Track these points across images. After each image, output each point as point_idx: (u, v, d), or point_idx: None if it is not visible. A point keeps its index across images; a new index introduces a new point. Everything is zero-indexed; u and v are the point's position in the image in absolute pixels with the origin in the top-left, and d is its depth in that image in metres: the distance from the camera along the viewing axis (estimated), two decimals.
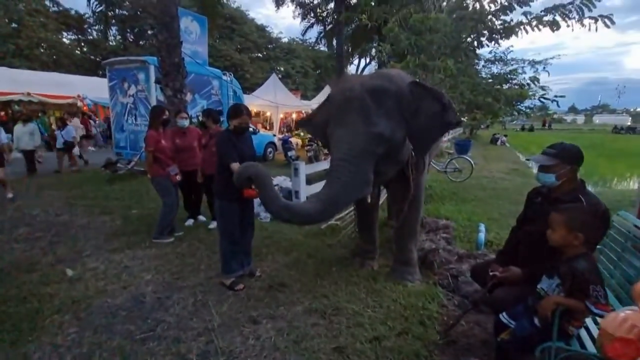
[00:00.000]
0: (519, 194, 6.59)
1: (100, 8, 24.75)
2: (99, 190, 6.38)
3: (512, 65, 7.39)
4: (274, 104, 13.08)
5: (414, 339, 2.18)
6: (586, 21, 4.60)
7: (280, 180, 5.24)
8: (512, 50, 7.25)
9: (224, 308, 2.57)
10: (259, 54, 29.87)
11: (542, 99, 4.98)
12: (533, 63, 6.74)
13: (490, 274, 2.02)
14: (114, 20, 26.38)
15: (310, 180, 5.38)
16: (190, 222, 4.56)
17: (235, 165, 2.60)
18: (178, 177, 3.98)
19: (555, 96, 4.94)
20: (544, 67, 6.27)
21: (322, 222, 2.76)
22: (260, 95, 12.26)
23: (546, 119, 41.97)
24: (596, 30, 4.60)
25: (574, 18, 4.64)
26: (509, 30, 4.78)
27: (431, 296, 2.72)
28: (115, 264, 3.33)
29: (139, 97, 7.78)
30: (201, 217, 4.70)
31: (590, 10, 4.46)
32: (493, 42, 5.11)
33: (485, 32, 4.59)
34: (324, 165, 6.32)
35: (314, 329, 2.31)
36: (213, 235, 4.01)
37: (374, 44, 5.85)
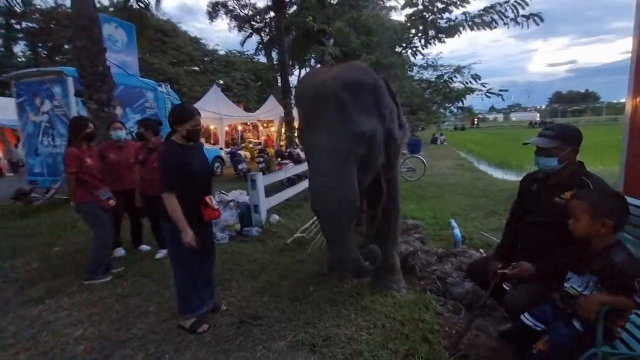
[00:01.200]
0: (472, 188, 6.85)
1: None
2: (9, 228, 5.22)
3: (441, 71, 7.79)
4: (219, 116, 12.33)
5: None
6: (520, 19, 4.90)
7: (236, 195, 4.72)
8: (442, 57, 7.66)
9: (187, 359, 2.04)
10: (196, 68, 28.54)
11: (488, 94, 5.19)
12: (459, 69, 7.15)
13: (499, 272, 1.81)
14: (21, 35, 23.19)
15: (267, 191, 4.95)
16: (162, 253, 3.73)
17: (188, 234, 2.12)
18: (112, 203, 3.29)
19: (501, 90, 5.19)
20: (469, 72, 6.67)
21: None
22: (203, 107, 11.45)
23: (475, 118, 46.29)
24: (528, 27, 4.92)
25: (510, 17, 4.90)
26: (453, 29, 4.91)
27: (425, 305, 2.47)
28: (31, 321, 2.56)
29: (55, 114, 6.67)
30: (144, 247, 3.99)
31: (523, 8, 4.73)
32: (438, 41, 5.22)
33: (433, 31, 4.65)
34: (281, 175, 5.94)
35: None
36: (162, 268, 3.38)
37: (323, 47, 5.68)
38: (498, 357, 1.95)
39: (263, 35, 20.41)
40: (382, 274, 2.84)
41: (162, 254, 3.68)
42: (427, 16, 4.45)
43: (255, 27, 19.69)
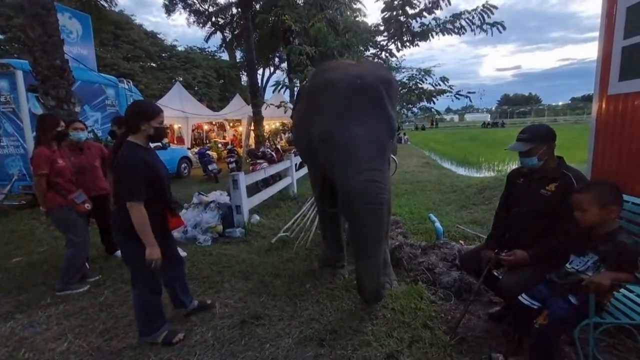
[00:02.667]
0: (440, 184, 7.24)
1: None
2: None
3: (407, 72, 8.13)
4: (184, 114, 11.82)
5: (428, 346, 1.99)
6: (485, 26, 5.25)
7: (217, 196, 4.60)
8: (404, 59, 8.01)
9: None
10: (153, 64, 27.08)
11: (457, 95, 5.50)
12: (429, 70, 7.53)
13: (494, 255, 1.97)
14: None
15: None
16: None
17: (155, 251, 1.91)
18: (87, 206, 3.07)
19: (468, 92, 5.53)
20: (430, 74, 7.05)
21: None
22: (167, 104, 10.91)
23: (433, 118, 48.50)
24: (492, 34, 5.29)
25: (476, 24, 5.24)
26: (425, 33, 5.14)
27: (418, 294, 2.60)
28: (4, 339, 2.33)
29: (1, 112, 6.03)
30: (120, 253, 3.75)
31: (489, 16, 5.07)
32: (411, 45, 5.44)
33: (408, 35, 4.85)
34: (262, 174, 5.87)
35: None
36: None
37: (300, 46, 5.65)
38: (490, 336, 2.12)
39: (227, 32, 19.87)
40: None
41: None
42: (403, 20, 4.64)
43: (220, 23, 19.13)
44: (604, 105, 2.44)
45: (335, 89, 2.10)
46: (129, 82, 8.31)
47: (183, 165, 10.15)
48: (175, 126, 13.12)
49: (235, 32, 18.21)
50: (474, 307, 2.46)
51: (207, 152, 9.82)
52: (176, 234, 4.15)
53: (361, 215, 1.99)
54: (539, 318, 1.56)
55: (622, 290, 1.73)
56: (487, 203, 5.13)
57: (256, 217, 4.88)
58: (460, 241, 3.66)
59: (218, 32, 19.78)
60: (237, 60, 28.92)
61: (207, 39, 18.88)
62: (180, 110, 11.47)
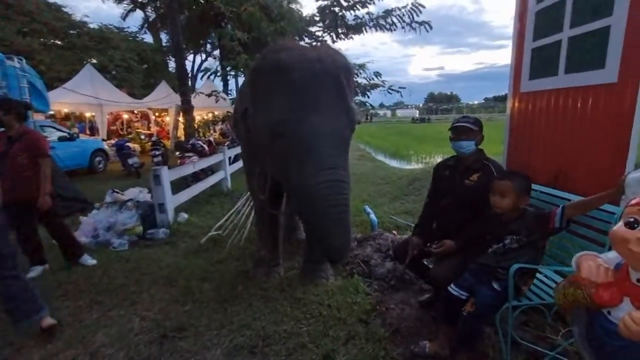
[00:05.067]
0: (375, 177, 7.49)
1: None
2: None
3: None
4: (97, 100, 10.39)
5: (365, 342, 1.96)
6: (414, 24, 5.50)
7: (136, 193, 4.07)
8: None
9: None
10: (58, 41, 23.34)
11: (390, 90, 5.69)
12: (363, 65, 7.72)
13: (432, 249, 2.01)
14: None
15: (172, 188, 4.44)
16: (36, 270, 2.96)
17: None
18: None
19: (400, 87, 5.75)
20: (365, 69, 7.27)
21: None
22: (75, 89, 9.47)
23: (368, 113, 50.62)
24: (420, 33, 5.56)
25: (406, 21, 5.45)
26: (360, 27, 5.20)
27: (354, 288, 2.58)
28: None
29: None
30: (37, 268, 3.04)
31: (417, 15, 5.31)
32: (346, 37, 5.47)
33: (342, 27, 4.84)
34: (190, 168, 5.39)
35: None
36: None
37: (231, 31, 5.24)
38: (422, 325, 2.18)
39: (149, 10, 17.94)
40: (310, 264, 2.86)
41: (36, 271, 2.93)
42: (337, 11, 4.61)
43: (140, 0, 17.19)
44: (517, 102, 2.67)
45: (291, 72, 1.79)
46: (21, 60, 6.96)
47: (97, 159, 8.94)
48: (87, 114, 11.50)
49: (160, 12, 16.50)
50: (407, 296, 2.52)
51: (127, 144, 8.78)
52: (84, 238, 3.59)
53: (325, 219, 1.76)
54: (466, 306, 1.62)
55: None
56: (417, 194, 5.42)
57: (184, 216, 4.46)
58: (394, 231, 3.78)
59: (139, 11, 17.74)
60: (164, 44, 26.45)
61: (124, 17, 16.75)
62: (91, 96, 10.05)
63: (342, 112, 1.83)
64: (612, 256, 1.28)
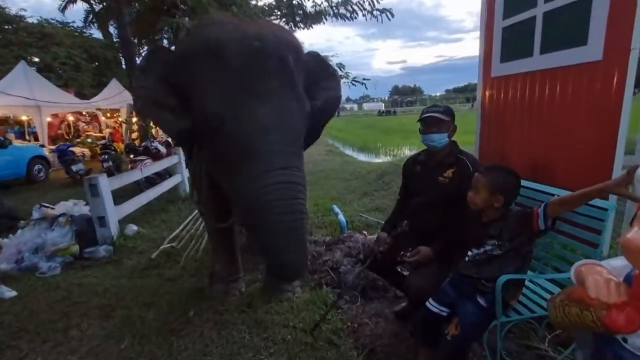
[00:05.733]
0: (343, 172, 7.26)
1: None
2: None
3: None
4: (34, 102, 9.30)
5: None
6: (375, 12, 5.27)
7: (68, 207, 3.52)
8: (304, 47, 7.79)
9: None
10: None
11: (354, 82, 5.47)
12: (326, 57, 7.47)
13: (405, 258, 1.76)
14: None
15: (118, 197, 3.93)
16: None
17: None
18: None
19: (364, 79, 5.54)
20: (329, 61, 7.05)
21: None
22: (6, 90, 8.39)
23: None
24: (382, 22, 5.35)
25: (367, 9, 5.22)
26: (318, 15, 4.89)
27: (323, 302, 2.30)
28: None
29: None
30: None
31: (378, 2, 5.08)
32: (305, 26, 5.16)
33: (300, 12, 4.52)
34: (136, 175, 4.84)
35: None
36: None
37: (177, 19, 4.73)
38: (399, 341, 1.94)
39: (95, 3, 16.41)
40: (273, 276, 2.53)
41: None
42: None
43: None
44: (487, 89, 2.49)
45: (226, 52, 1.47)
46: None
47: (37, 167, 8.00)
48: (23, 117, 10.30)
49: (104, 3, 15.12)
50: (380, 307, 2.29)
51: (70, 149, 7.91)
52: (4, 265, 3.03)
53: (275, 230, 1.46)
54: (450, 328, 1.39)
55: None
56: (387, 188, 5.24)
57: (133, 228, 3.96)
58: (364, 231, 3.54)
59: (81, 3, 16.16)
60: (115, 40, 24.67)
61: (62, 9, 15.10)
62: (27, 98, 8.98)
63: (291, 100, 1.51)
64: (618, 265, 1.07)
